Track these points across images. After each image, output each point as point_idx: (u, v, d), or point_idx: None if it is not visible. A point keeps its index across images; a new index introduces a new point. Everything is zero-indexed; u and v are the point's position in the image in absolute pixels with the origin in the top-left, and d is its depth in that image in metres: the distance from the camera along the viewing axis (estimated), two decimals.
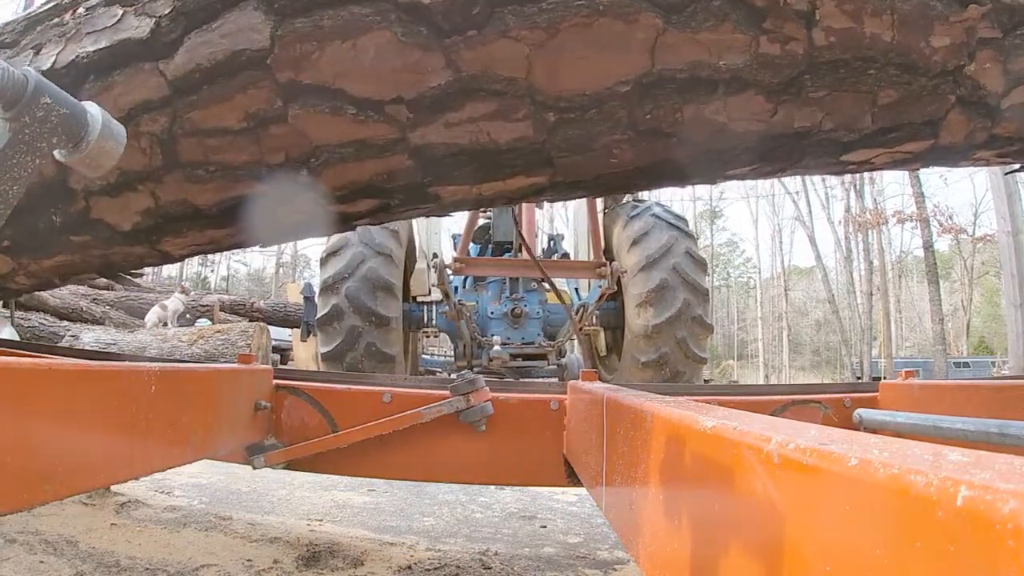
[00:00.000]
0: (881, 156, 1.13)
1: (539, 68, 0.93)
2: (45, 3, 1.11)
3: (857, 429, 1.48)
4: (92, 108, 0.70)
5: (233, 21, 0.93)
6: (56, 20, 1.05)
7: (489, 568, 1.72)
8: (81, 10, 1.02)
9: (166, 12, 0.96)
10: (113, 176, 1.07)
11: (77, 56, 1.00)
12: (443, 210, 1.25)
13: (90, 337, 6.08)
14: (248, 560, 1.69)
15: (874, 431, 1.42)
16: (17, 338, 6.12)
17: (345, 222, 1.23)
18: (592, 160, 1.06)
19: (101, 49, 0.99)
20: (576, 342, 6.58)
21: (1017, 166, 1.29)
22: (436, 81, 0.94)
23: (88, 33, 1.00)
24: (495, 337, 5.54)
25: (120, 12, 0.98)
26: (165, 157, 1.04)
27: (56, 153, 0.69)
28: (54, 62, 1.01)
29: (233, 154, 1.03)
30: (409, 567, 1.71)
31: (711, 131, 1.01)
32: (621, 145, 1.03)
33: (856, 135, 1.06)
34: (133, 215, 1.13)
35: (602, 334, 5.96)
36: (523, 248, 5.73)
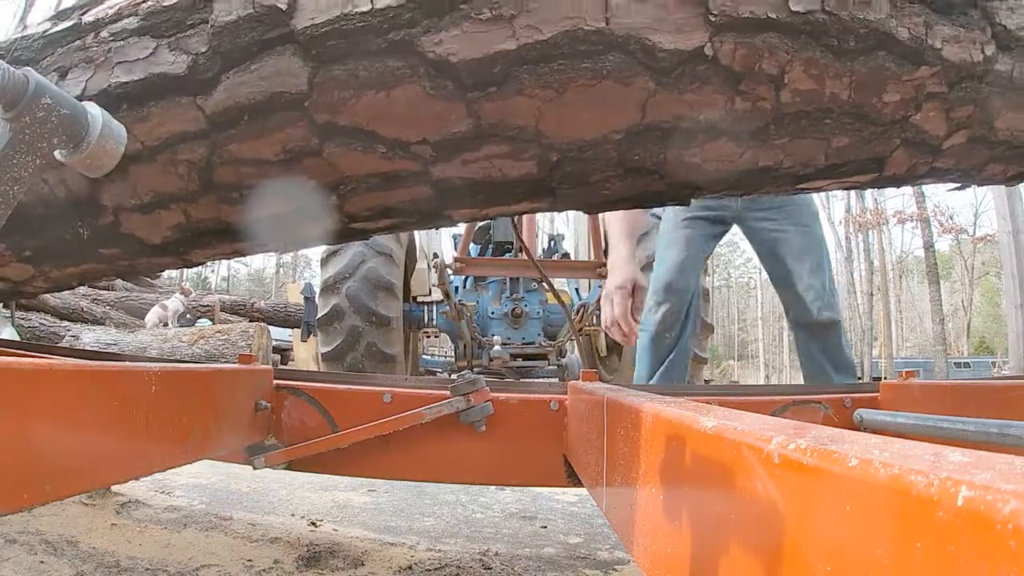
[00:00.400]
0: (832, 184, 1.30)
1: (547, 119, 1.05)
2: (53, 20, 1.11)
3: (858, 429, 1.48)
4: (92, 108, 0.70)
5: (272, 65, 0.99)
6: (78, 43, 1.06)
7: (489, 568, 1.72)
8: (105, 34, 1.04)
9: (203, 51, 1.00)
10: (147, 196, 1.12)
11: (109, 85, 1.03)
12: (452, 224, 1.42)
13: (90, 337, 6.08)
14: (248, 560, 1.69)
15: (875, 431, 1.42)
16: (17, 338, 6.13)
17: (361, 235, 1.34)
18: (586, 191, 1.20)
19: (136, 81, 1.02)
20: (576, 343, 6.58)
21: (957, 185, 1.44)
22: (458, 128, 1.05)
23: (119, 63, 1.04)
24: (495, 337, 5.55)
25: (153, 45, 1.01)
26: (201, 182, 1.10)
27: (57, 153, 0.69)
28: (84, 88, 1.04)
29: (267, 180, 1.11)
30: (409, 567, 1.71)
31: (688, 169, 1.16)
32: (611, 180, 1.17)
33: (811, 170, 1.20)
34: (164, 230, 1.20)
35: (602, 334, 5.96)
36: (523, 249, 5.74)
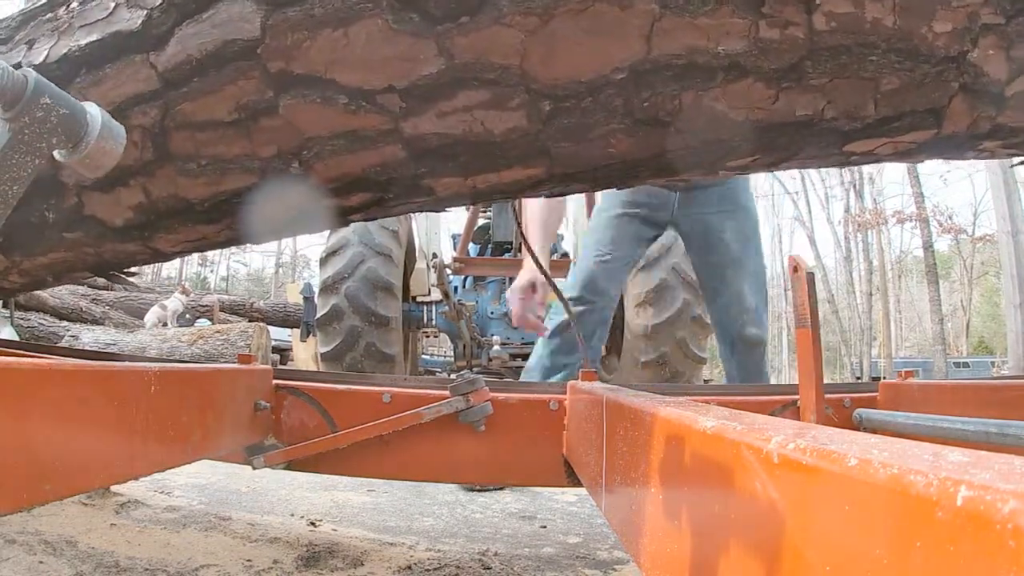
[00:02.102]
0: (885, 146, 1.10)
1: (533, 55, 0.91)
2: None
3: (857, 429, 1.48)
4: (92, 108, 0.70)
5: (225, 11, 0.92)
6: (50, 15, 1.04)
7: (489, 568, 1.72)
8: (75, 4, 1.01)
9: (158, 3, 0.95)
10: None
11: (69, 50, 0.99)
12: (438, 204, 1.24)
13: (90, 337, 6.08)
14: (248, 560, 1.69)
15: (874, 431, 1.42)
16: (17, 338, 6.12)
17: (339, 217, 1.21)
18: (589, 150, 1.04)
19: (92, 42, 0.98)
20: None
21: (1022, 158, 1.27)
22: (428, 70, 0.92)
23: (81, 27, 1.00)
24: (495, 337, 5.54)
25: (112, 5, 0.97)
26: (156, 151, 1.03)
27: (56, 153, 0.69)
28: (46, 56, 1.00)
29: (224, 146, 1.02)
30: (409, 567, 1.71)
31: (710, 119, 0.99)
32: (618, 135, 1.01)
33: (859, 124, 1.03)
34: (125, 210, 1.12)
35: None
36: (523, 248, 5.73)
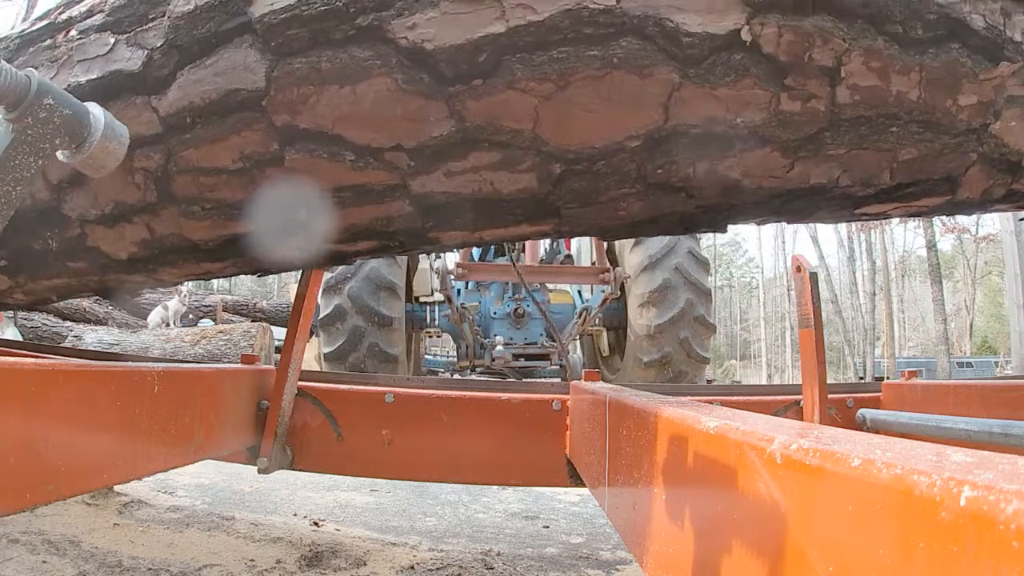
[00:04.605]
0: (897, 209, 1.10)
1: (546, 120, 0.89)
2: (34, 20, 1.08)
3: (860, 429, 1.48)
4: (95, 109, 0.70)
5: (227, 58, 0.89)
6: (49, 42, 1.00)
7: (491, 568, 1.72)
8: (74, 32, 0.97)
9: (159, 44, 0.91)
10: (108, 207, 1.03)
11: (68, 85, 0.96)
12: (443, 250, 1.22)
13: (93, 338, 6.09)
14: (251, 560, 1.69)
15: (877, 431, 1.42)
16: (20, 339, 6.14)
17: (343, 259, 1.20)
18: (599, 212, 1.02)
19: (92, 80, 0.95)
20: (579, 342, 6.57)
21: None
22: (438, 131, 0.90)
23: (80, 61, 0.96)
24: (498, 337, 5.54)
25: (112, 40, 0.93)
26: (159, 193, 1.00)
27: (59, 154, 0.69)
28: None
29: (229, 192, 0.99)
30: (412, 567, 1.71)
31: (723, 186, 0.97)
32: (629, 198, 0.99)
33: (872, 190, 1.02)
34: (129, 245, 1.08)
35: (604, 334, 5.97)
36: (524, 251, 5.73)
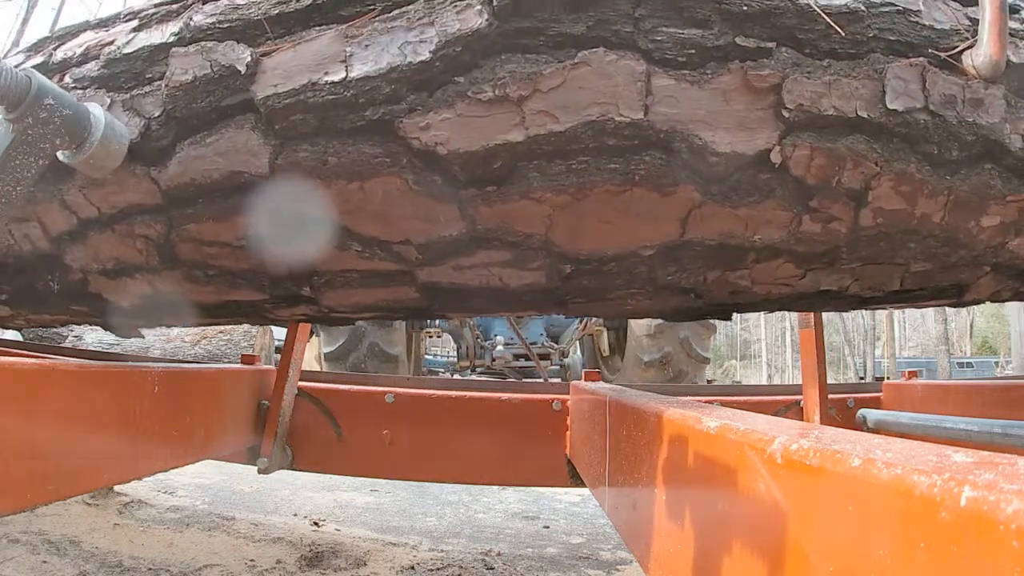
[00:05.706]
0: (897, 307, 1.13)
1: (560, 228, 0.86)
2: (28, 53, 1.02)
3: (860, 429, 1.48)
4: (95, 109, 0.70)
5: (229, 138, 0.86)
6: None
7: (492, 568, 1.72)
8: (68, 80, 0.93)
9: (156, 114, 0.87)
10: (110, 263, 1.00)
11: None
12: (445, 319, 1.25)
13: (93, 338, 6.09)
14: (251, 560, 1.69)
15: (878, 431, 1.42)
16: (20, 338, 6.13)
17: (341, 323, 1.21)
18: (605, 307, 1.02)
19: None
20: (579, 342, 6.57)
21: None
22: (448, 232, 0.88)
23: None
24: (498, 338, 5.54)
25: (108, 102, 0.89)
26: (162, 258, 0.98)
27: (60, 154, 0.69)
28: None
29: (232, 262, 0.97)
30: (412, 567, 1.71)
31: (732, 290, 0.96)
32: (637, 296, 0.98)
33: (881, 294, 1.02)
34: (132, 297, 1.06)
35: (605, 334, 5.97)
36: None
